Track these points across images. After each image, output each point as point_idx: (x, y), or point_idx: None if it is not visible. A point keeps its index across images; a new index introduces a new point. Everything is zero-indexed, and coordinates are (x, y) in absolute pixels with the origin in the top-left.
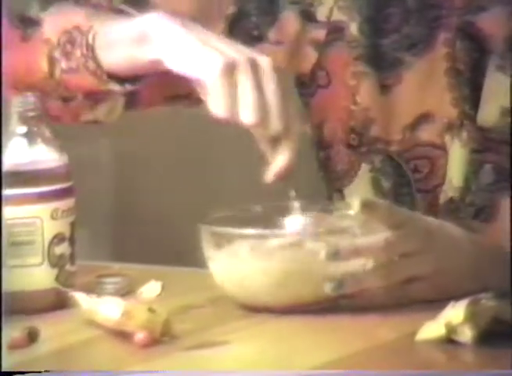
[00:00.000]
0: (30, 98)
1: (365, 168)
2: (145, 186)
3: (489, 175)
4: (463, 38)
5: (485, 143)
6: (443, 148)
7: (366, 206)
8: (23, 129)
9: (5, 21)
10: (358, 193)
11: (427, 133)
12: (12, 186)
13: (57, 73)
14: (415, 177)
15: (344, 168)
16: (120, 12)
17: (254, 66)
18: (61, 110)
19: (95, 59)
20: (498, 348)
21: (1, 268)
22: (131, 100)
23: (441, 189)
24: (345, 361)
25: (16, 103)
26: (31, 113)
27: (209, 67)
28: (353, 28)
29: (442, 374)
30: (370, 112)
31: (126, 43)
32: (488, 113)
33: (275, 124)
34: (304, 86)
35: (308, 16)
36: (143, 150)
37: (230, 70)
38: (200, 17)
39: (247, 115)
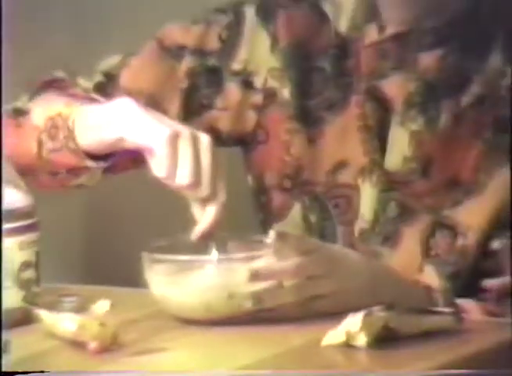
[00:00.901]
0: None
1: (297, 206)
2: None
3: (394, 210)
4: (371, 100)
5: (391, 185)
6: (357, 189)
7: (279, 236)
8: None
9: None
10: (288, 227)
11: (344, 177)
12: None
13: (44, 153)
14: (335, 212)
15: (279, 207)
16: (93, 100)
17: (195, 140)
18: (49, 181)
19: (74, 140)
20: (387, 351)
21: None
22: (108, 168)
23: (356, 222)
24: (263, 363)
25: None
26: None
27: (157, 136)
28: (285, 93)
29: (348, 373)
30: (301, 161)
31: (96, 126)
32: (393, 160)
33: (205, 189)
34: (247, 143)
35: (247, 85)
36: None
37: (174, 139)
38: (160, 92)
39: (183, 178)
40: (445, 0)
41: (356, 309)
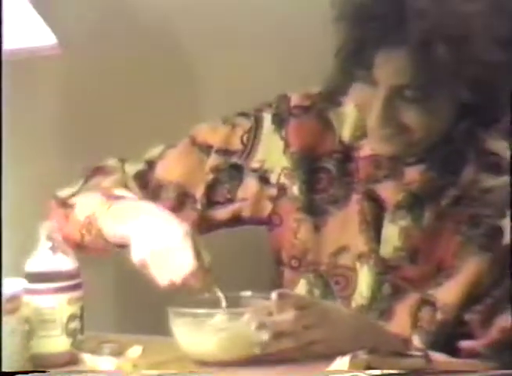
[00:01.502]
0: (54, 224)
1: (302, 281)
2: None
3: (388, 289)
4: (368, 200)
5: (385, 269)
6: (355, 270)
7: (280, 296)
8: (49, 244)
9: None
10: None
11: (344, 260)
12: (40, 282)
13: (84, 241)
14: (336, 288)
15: (288, 281)
16: (120, 198)
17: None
18: (88, 252)
19: (102, 236)
20: None
21: (1, 275)
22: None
23: (353, 297)
24: None
25: (44, 228)
26: (54, 234)
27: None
28: (294, 189)
29: None
30: (307, 244)
31: (115, 225)
32: (386, 249)
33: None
34: (266, 225)
35: (264, 180)
36: None
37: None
38: (188, 182)
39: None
40: (424, 137)
41: (344, 353)
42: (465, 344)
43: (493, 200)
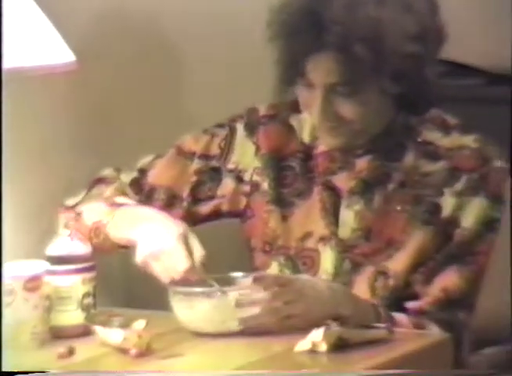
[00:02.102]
0: (71, 215)
1: (274, 263)
2: None
3: (348, 265)
4: (327, 190)
5: (344, 248)
6: (319, 252)
7: (256, 277)
8: (67, 232)
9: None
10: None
11: (309, 243)
12: (58, 264)
13: (93, 242)
14: (303, 268)
15: (261, 264)
16: (123, 205)
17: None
18: (98, 251)
19: (109, 240)
20: (341, 354)
21: (1, 275)
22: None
23: (319, 275)
24: (252, 364)
25: (62, 218)
26: (72, 223)
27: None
28: (265, 185)
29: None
30: (277, 232)
31: (121, 229)
32: (344, 231)
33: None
34: (241, 217)
35: (238, 179)
36: None
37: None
38: (175, 185)
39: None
40: (365, 128)
41: (319, 325)
42: (412, 304)
43: (432, 182)
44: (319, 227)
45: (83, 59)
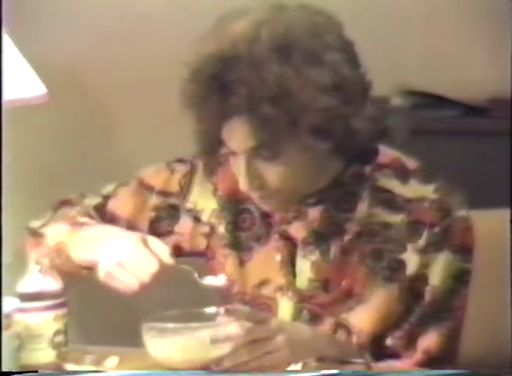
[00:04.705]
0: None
1: None
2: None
3: (306, 316)
4: (283, 239)
5: (302, 298)
6: (276, 300)
7: (228, 311)
8: (38, 268)
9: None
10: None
11: (266, 291)
12: (29, 301)
13: (55, 263)
14: None
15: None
16: (85, 224)
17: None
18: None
19: (71, 260)
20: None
21: (1, 277)
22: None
23: None
24: None
25: (34, 254)
26: (43, 259)
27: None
28: (221, 228)
29: None
30: (233, 276)
31: (83, 250)
32: (301, 281)
33: None
34: (203, 257)
35: (197, 219)
36: None
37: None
38: (134, 218)
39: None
40: (299, 191)
41: (297, 361)
42: (392, 364)
43: (393, 236)
44: (277, 275)
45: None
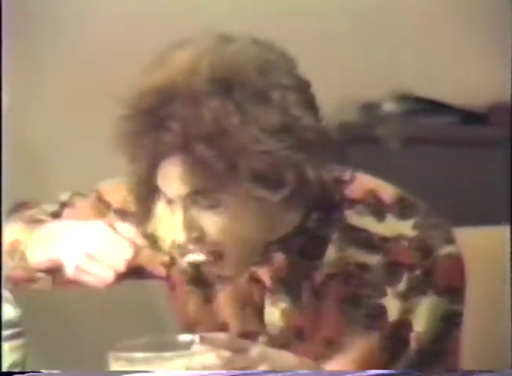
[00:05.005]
0: None
1: None
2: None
3: None
4: (253, 281)
5: (274, 346)
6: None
7: (202, 339)
8: None
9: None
10: None
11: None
12: None
13: (8, 268)
14: None
15: None
16: (44, 221)
17: None
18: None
19: (26, 260)
20: None
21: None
22: (58, 279)
23: None
24: None
25: None
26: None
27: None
28: (183, 262)
29: None
30: (197, 316)
31: (41, 248)
32: (272, 329)
33: None
34: (165, 282)
35: (156, 247)
36: None
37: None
38: None
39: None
40: (266, 234)
41: None
42: None
43: (371, 279)
44: (246, 320)
45: None
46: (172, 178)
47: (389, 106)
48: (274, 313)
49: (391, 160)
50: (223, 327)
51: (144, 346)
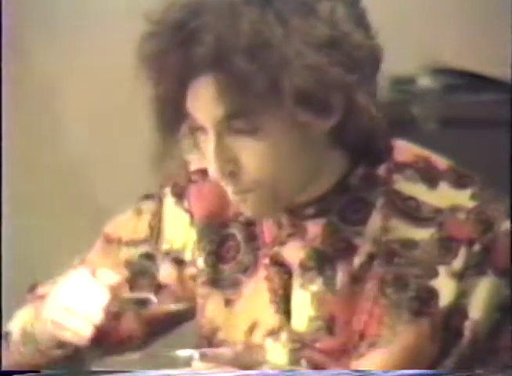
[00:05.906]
0: None
1: None
2: None
3: (305, 367)
4: (276, 265)
5: (300, 344)
6: (265, 349)
7: (202, 355)
8: None
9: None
10: None
11: (257, 337)
12: None
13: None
14: None
15: None
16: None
17: None
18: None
19: (37, 343)
20: None
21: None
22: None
23: None
24: None
25: None
26: None
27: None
28: (199, 261)
29: None
30: (215, 322)
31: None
32: (299, 321)
33: None
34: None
35: (178, 261)
36: None
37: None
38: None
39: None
40: (309, 176)
41: None
42: None
43: (420, 257)
44: (266, 315)
45: None
46: (205, 99)
47: (424, 81)
48: (304, 298)
49: (426, 143)
50: (250, 330)
51: (139, 362)
